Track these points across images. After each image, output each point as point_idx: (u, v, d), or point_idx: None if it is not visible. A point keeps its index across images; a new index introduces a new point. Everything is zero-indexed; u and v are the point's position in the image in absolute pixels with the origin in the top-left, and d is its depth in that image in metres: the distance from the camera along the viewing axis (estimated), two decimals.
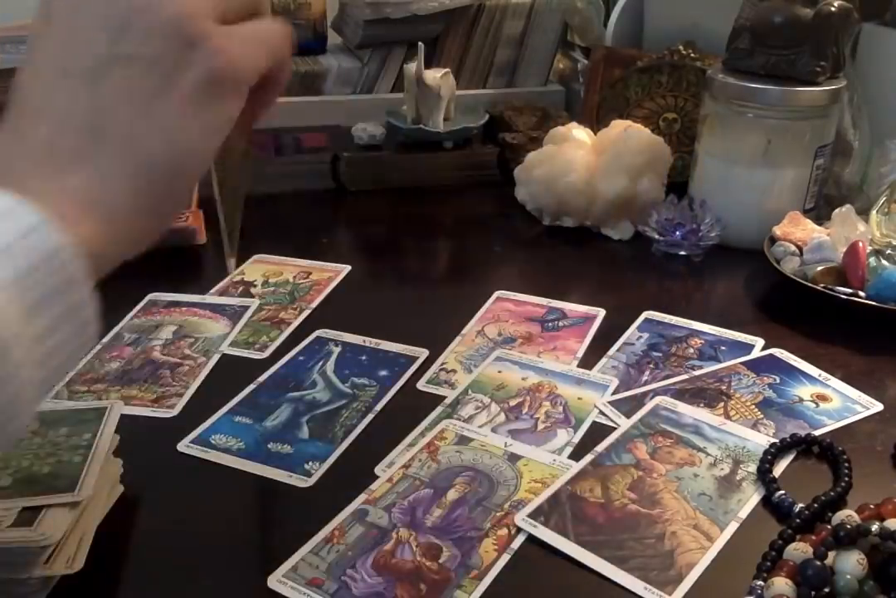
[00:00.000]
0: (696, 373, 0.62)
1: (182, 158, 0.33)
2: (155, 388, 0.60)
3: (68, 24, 0.33)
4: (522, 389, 0.60)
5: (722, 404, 0.58)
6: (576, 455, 0.53)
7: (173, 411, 0.57)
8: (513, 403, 0.58)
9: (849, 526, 0.41)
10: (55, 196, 0.30)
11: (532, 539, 0.46)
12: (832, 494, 0.48)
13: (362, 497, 0.49)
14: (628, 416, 0.57)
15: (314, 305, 0.72)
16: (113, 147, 0.32)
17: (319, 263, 0.78)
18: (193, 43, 0.32)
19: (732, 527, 0.47)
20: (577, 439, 0.55)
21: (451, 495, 0.49)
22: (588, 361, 0.64)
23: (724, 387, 0.60)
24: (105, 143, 0.32)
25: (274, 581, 0.43)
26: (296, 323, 0.69)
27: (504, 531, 0.47)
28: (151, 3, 0.32)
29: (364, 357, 0.64)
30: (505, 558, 0.45)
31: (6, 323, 0.28)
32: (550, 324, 0.69)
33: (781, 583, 0.41)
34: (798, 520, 0.46)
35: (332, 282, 0.75)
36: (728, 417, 0.57)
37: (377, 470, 0.51)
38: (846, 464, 0.51)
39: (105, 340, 0.65)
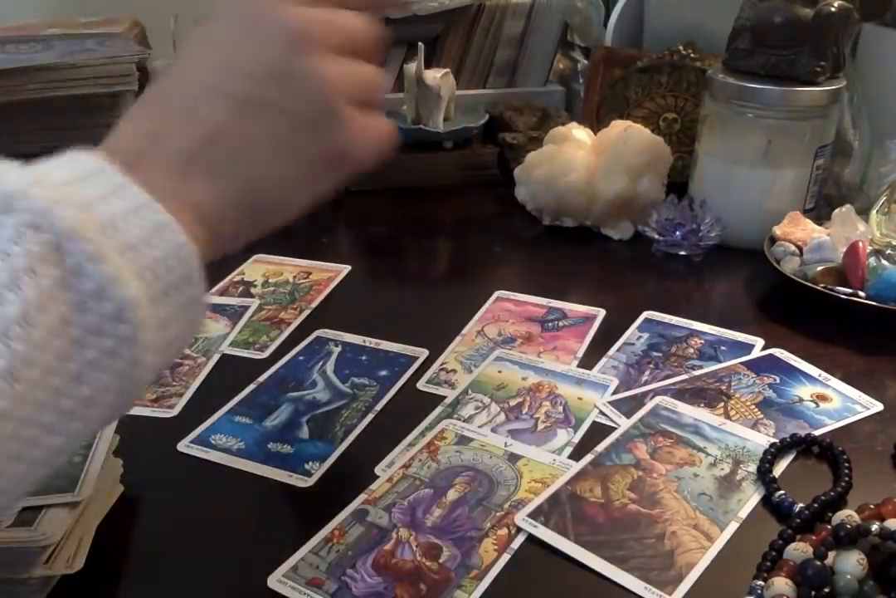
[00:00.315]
0: (696, 373, 0.62)
1: (284, 205, 0.37)
2: (155, 388, 0.59)
3: (233, 50, 0.36)
4: (522, 389, 0.60)
5: (722, 404, 0.58)
6: (576, 455, 0.53)
7: (173, 411, 0.57)
8: (513, 403, 0.58)
9: (849, 526, 0.41)
10: (178, 203, 0.33)
11: (532, 539, 0.46)
12: (832, 494, 0.48)
13: (362, 497, 0.49)
14: (628, 416, 0.57)
15: (314, 305, 0.72)
16: (237, 176, 0.35)
17: (319, 263, 0.79)
18: (336, 116, 0.36)
19: (732, 527, 0.47)
20: (577, 439, 0.55)
21: (451, 495, 0.49)
22: (588, 361, 0.64)
23: (724, 387, 0.60)
24: (232, 170, 0.35)
25: (274, 581, 0.43)
26: (296, 323, 0.69)
27: (504, 531, 0.47)
28: (311, 66, 0.35)
29: (364, 357, 0.64)
30: (505, 558, 0.45)
31: (140, 308, 0.30)
32: (550, 324, 0.69)
33: (781, 583, 0.41)
34: (798, 520, 0.46)
35: (332, 282, 0.75)
36: (728, 417, 0.57)
37: (377, 470, 0.51)
38: (846, 464, 0.51)
39: None
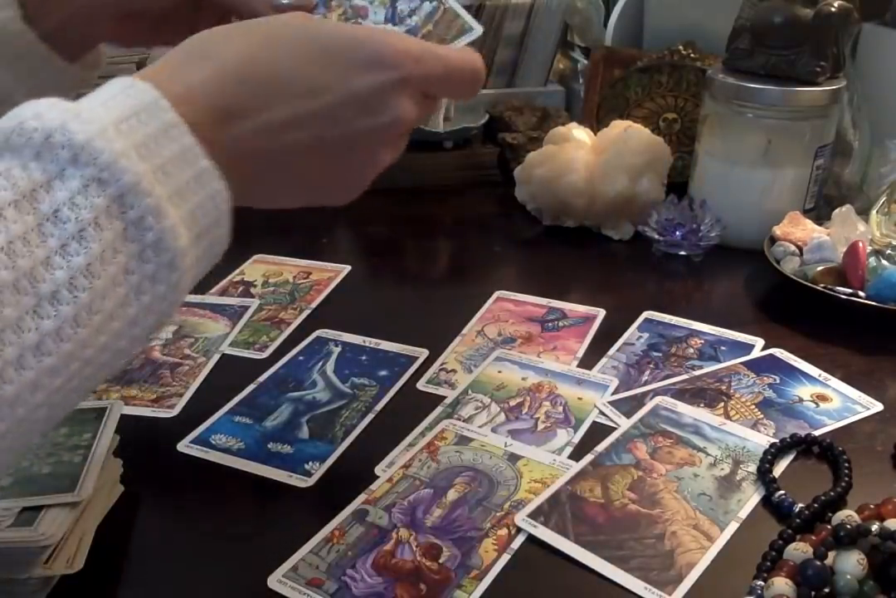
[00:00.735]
0: (696, 373, 0.62)
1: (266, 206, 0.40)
2: (155, 388, 0.60)
3: (350, 105, 0.38)
4: (522, 389, 0.60)
5: (722, 404, 0.58)
6: (576, 455, 0.53)
7: (173, 411, 0.57)
8: (513, 403, 0.58)
9: (849, 526, 0.41)
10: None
11: (532, 539, 0.46)
12: (832, 494, 0.48)
13: (362, 497, 0.49)
14: (628, 416, 0.57)
15: (314, 305, 0.72)
16: (254, 186, 0.38)
17: (319, 264, 0.78)
18: (371, 176, 0.42)
19: (732, 527, 0.47)
20: (577, 439, 0.55)
21: (451, 495, 0.49)
22: (588, 361, 0.64)
23: (724, 387, 0.60)
24: (258, 183, 0.38)
25: (274, 581, 0.43)
26: (296, 323, 0.69)
27: (504, 531, 0.47)
28: (384, 154, 0.41)
29: (364, 357, 0.64)
30: (505, 558, 0.45)
31: (188, 255, 0.32)
32: (550, 324, 0.69)
33: (781, 583, 0.41)
34: (798, 520, 0.46)
35: (333, 282, 0.75)
36: (728, 417, 0.57)
37: (377, 470, 0.51)
38: (846, 464, 0.51)
39: None
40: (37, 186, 0.29)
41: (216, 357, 0.64)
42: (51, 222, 0.29)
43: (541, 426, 0.56)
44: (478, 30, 0.49)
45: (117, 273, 0.30)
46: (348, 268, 0.78)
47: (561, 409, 0.58)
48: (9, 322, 0.28)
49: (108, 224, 0.30)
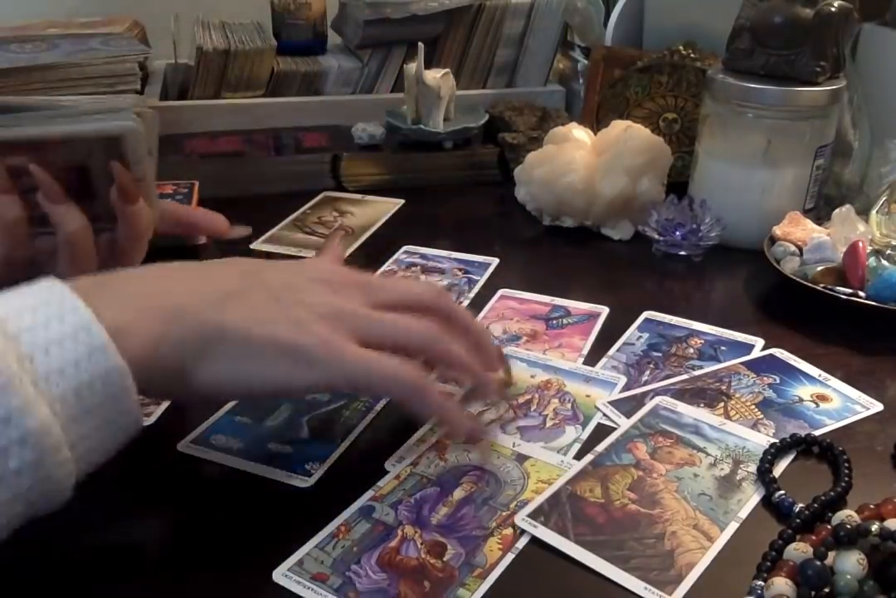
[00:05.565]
0: (696, 373, 0.62)
1: None
2: None
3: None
4: (531, 386, 0.60)
5: (722, 404, 0.59)
6: (583, 453, 0.53)
7: (149, 419, 0.56)
8: (521, 400, 0.58)
9: (849, 526, 0.41)
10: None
11: (537, 540, 0.46)
12: (832, 494, 0.49)
13: (369, 494, 0.49)
14: (628, 416, 0.57)
15: None
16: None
17: None
18: None
19: (732, 527, 0.47)
20: (585, 436, 0.55)
21: (458, 493, 0.49)
22: (593, 358, 0.64)
23: (724, 387, 0.60)
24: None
25: (279, 575, 0.43)
26: None
27: (509, 531, 0.47)
28: None
29: None
30: (509, 557, 0.45)
31: (49, 434, 0.34)
32: (555, 321, 0.69)
33: (781, 583, 0.41)
34: (798, 520, 0.46)
35: None
36: (728, 417, 0.57)
37: (386, 465, 0.52)
38: (846, 464, 0.51)
39: None
40: None
41: None
42: None
43: (549, 423, 0.56)
44: None
45: None
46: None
47: (569, 406, 0.58)
48: None
49: None
